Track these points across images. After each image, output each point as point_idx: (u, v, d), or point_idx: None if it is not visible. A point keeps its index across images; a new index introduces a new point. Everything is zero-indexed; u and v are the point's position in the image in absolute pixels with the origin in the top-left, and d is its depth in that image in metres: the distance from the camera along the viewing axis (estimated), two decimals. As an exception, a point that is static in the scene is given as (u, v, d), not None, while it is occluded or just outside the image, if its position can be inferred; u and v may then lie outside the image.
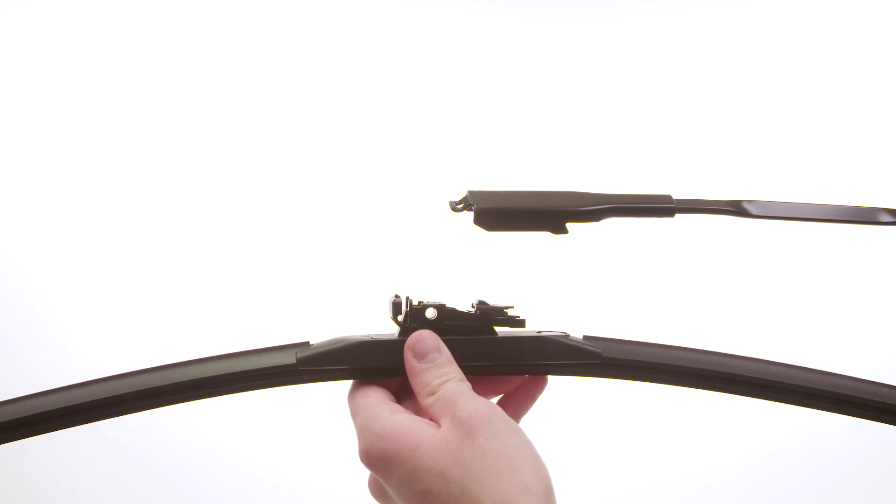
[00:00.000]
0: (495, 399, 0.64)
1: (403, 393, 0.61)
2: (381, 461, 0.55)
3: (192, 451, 1.70)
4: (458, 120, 1.80)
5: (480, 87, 1.81)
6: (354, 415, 0.58)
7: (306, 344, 0.61)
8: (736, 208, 0.63)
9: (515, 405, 0.64)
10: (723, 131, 1.80)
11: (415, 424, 0.55)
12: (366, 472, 0.59)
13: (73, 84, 1.76)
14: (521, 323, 0.62)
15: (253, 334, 1.42)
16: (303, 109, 1.79)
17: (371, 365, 0.60)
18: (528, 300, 0.68)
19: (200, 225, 1.74)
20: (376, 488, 0.59)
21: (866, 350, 1.73)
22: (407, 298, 0.61)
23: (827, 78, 1.81)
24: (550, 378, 0.64)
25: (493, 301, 0.62)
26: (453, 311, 0.61)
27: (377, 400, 0.58)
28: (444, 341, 0.60)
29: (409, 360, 0.59)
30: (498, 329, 0.62)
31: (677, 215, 0.63)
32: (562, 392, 0.73)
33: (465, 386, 0.57)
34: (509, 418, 0.55)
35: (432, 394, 0.57)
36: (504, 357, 0.61)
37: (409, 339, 0.60)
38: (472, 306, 0.62)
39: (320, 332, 0.64)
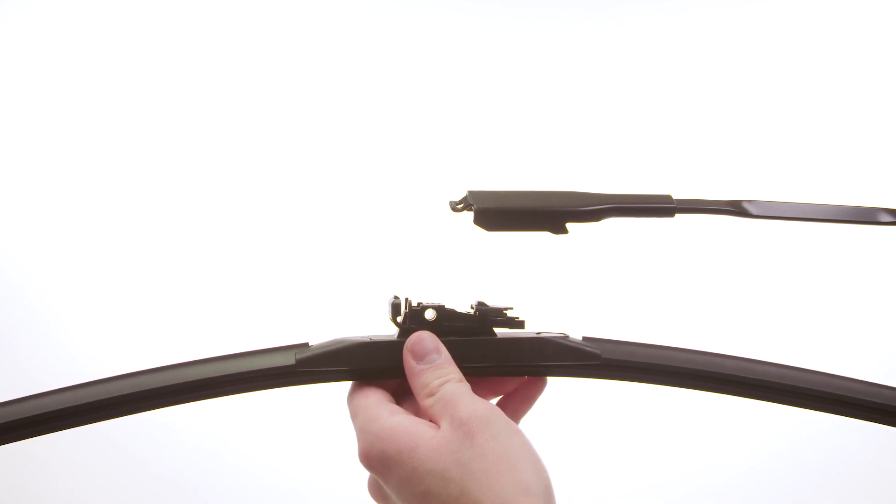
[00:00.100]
0: (495, 400, 0.64)
1: (403, 394, 0.61)
2: (381, 462, 0.55)
3: (192, 451, 1.70)
4: (458, 120, 1.80)
5: (480, 87, 1.81)
6: (354, 416, 0.58)
7: (305, 345, 0.61)
8: (736, 208, 0.63)
9: (515, 406, 0.64)
10: (723, 131, 1.80)
11: (414, 425, 0.55)
12: (365, 473, 0.59)
13: (73, 84, 1.76)
14: (520, 324, 0.62)
15: (252, 335, 1.42)
16: (302, 110, 1.79)
17: (370, 366, 0.60)
18: (528, 300, 0.68)
19: (200, 226, 1.74)
20: (376, 489, 0.59)
21: (866, 350, 1.73)
22: (406, 300, 0.61)
23: (827, 78, 1.81)
24: (550, 379, 0.64)
25: (493, 302, 0.62)
26: (452, 312, 0.61)
27: (376, 401, 0.58)
28: (444, 342, 0.60)
29: (409, 361, 0.59)
30: (497, 330, 0.62)
31: (677, 215, 0.63)
32: (561, 393, 0.73)
33: (465, 387, 0.57)
34: (509, 419, 0.55)
35: (432, 395, 0.57)
36: (503, 358, 0.61)
37: (407, 340, 0.60)
38: (472, 307, 0.62)
39: (320, 333, 0.64)
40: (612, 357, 0.62)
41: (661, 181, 1.62)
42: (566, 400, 1.21)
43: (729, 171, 1.77)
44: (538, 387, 0.64)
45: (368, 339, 0.60)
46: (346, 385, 0.61)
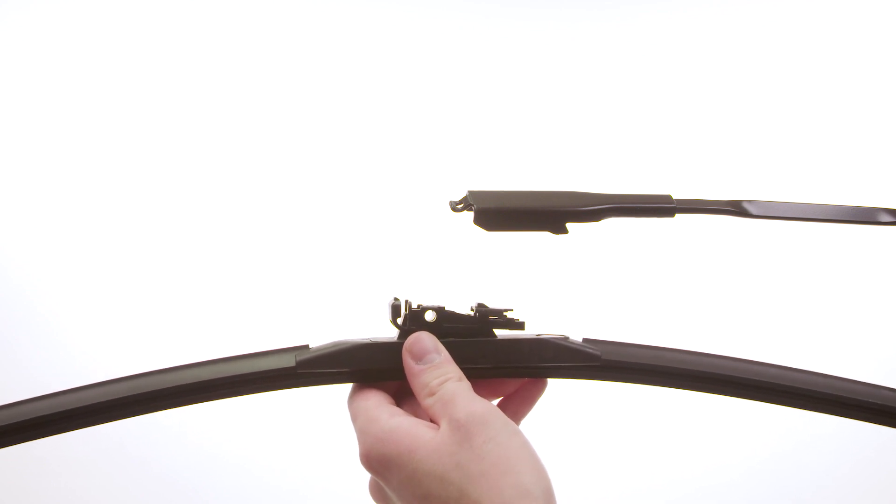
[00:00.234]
0: (495, 402, 0.63)
1: (403, 396, 0.60)
2: (381, 464, 0.55)
3: (192, 451, 1.70)
4: (458, 120, 1.80)
5: (480, 87, 1.81)
6: (354, 418, 0.58)
7: (306, 347, 0.61)
8: (736, 208, 0.63)
9: (515, 408, 0.63)
10: (723, 131, 1.80)
11: (413, 427, 0.55)
12: (365, 474, 0.59)
13: (73, 84, 1.76)
14: (520, 325, 0.62)
15: (252, 338, 1.42)
16: (301, 110, 1.79)
17: (371, 368, 0.60)
18: (528, 301, 0.68)
19: (199, 228, 1.74)
20: (377, 490, 0.59)
21: (866, 351, 1.72)
22: (406, 301, 0.61)
23: (827, 78, 1.81)
24: (550, 381, 0.64)
25: (493, 303, 0.62)
26: (452, 313, 0.61)
27: (377, 403, 0.58)
28: (444, 344, 0.60)
29: (408, 361, 0.59)
30: (497, 332, 0.62)
31: (677, 215, 0.63)
32: (561, 394, 0.73)
33: (465, 385, 0.57)
34: (508, 419, 0.55)
35: (432, 394, 0.57)
36: (503, 359, 0.61)
37: (406, 341, 0.59)
38: (472, 309, 0.62)
39: (320, 335, 0.64)
40: (613, 358, 0.62)
41: (661, 181, 1.62)
42: (566, 401, 1.21)
43: (729, 171, 1.77)
44: (539, 388, 0.64)
45: (369, 341, 0.60)
46: (347, 386, 0.61)
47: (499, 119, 1.80)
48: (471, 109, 1.80)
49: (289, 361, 0.60)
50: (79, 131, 1.75)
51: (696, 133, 1.80)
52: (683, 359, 0.63)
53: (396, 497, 0.56)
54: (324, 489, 1.66)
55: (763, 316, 1.74)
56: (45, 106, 1.75)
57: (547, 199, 0.62)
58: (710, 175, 1.76)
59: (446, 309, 0.61)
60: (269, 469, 1.70)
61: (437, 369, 0.58)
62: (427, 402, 0.57)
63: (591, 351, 0.62)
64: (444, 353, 0.59)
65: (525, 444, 0.54)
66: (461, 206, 0.61)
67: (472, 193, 0.61)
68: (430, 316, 0.61)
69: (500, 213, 0.61)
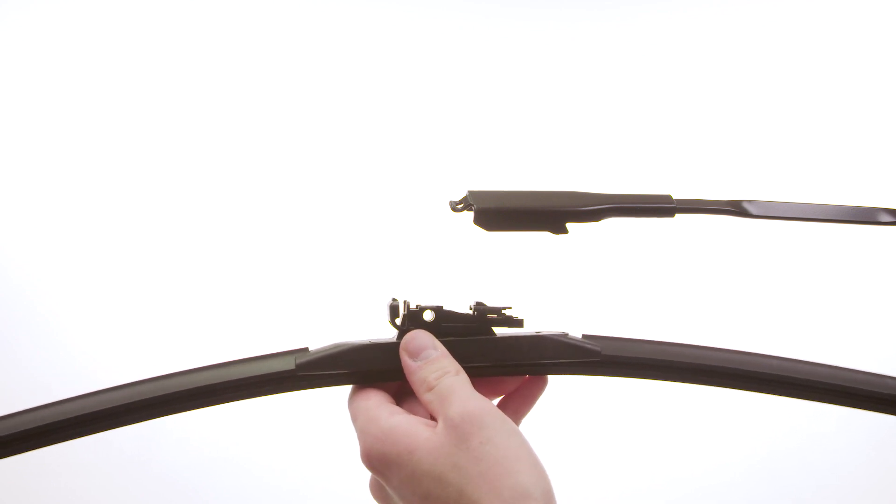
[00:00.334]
0: (496, 401, 0.63)
1: (403, 395, 0.60)
2: (382, 463, 0.55)
3: (192, 452, 1.70)
4: (458, 120, 1.80)
5: (480, 87, 1.81)
6: (354, 418, 0.58)
7: (305, 350, 0.61)
8: (736, 208, 0.63)
9: (516, 406, 0.63)
10: (723, 131, 1.80)
11: (412, 426, 0.55)
12: (366, 473, 0.59)
13: (73, 84, 1.76)
14: (518, 323, 0.62)
15: (251, 341, 1.42)
16: (301, 110, 1.79)
17: (370, 368, 0.60)
18: (528, 300, 0.68)
19: (198, 229, 1.74)
20: (378, 490, 0.59)
21: (866, 351, 1.72)
22: (404, 302, 0.61)
23: (827, 78, 1.81)
24: (550, 378, 0.63)
25: (491, 302, 0.62)
26: (451, 312, 0.61)
27: (377, 402, 0.58)
28: (443, 343, 0.59)
29: (405, 359, 0.59)
30: (496, 329, 0.62)
31: (677, 215, 0.63)
32: (562, 392, 0.73)
33: (462, 379, 0.57)
34: (506, 418, 0.55)
35: (430, 389, 0.57)
36: (503, 357, 0.61)
37: (402, 339, 0.60)
38: (470, 308, 0.62)
39: (319, 336, 0.64)
40: (613, 353, 0.62)
41: (661, 181, 1.62)
42: (566, 400, 1.21)
43: (729, 171, 1.77)
44: (539, 386, 0.63)
45: (368, 342, 0.60)
46: (347, 387, 0.61)
47: (499, 119, 1.80)
48: (471, 109, 1.80)
49: (288, 364, 0.60)
50: (80, 132, 1.75)
51: (695, 133, 1.80)
52: (684, 352, 0.63)
53: (397, 496, 0.56)
54: (324, 489, 1.66)
55: (763, 316, 1.74)
56: (46, 106, 1.75)
57: (547, 199, 0.62)
58: (710, 175, 1.76)
59: (445, 308, 0.61)
60: (270, 469, 1.70)
61: (433, 364, 0.58)
62: (426, 397, 0.57)
63: (591, 347, 0.62)
64: (441, 348, 0.59)
65: (523, 444, 0.54)
66: (461, 206, 0.61)
67: (471, 193, 0.61)
68: (428, 316, 0.61)
69: (500, 213, 0.61)
